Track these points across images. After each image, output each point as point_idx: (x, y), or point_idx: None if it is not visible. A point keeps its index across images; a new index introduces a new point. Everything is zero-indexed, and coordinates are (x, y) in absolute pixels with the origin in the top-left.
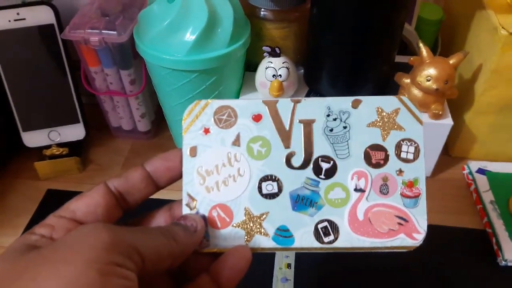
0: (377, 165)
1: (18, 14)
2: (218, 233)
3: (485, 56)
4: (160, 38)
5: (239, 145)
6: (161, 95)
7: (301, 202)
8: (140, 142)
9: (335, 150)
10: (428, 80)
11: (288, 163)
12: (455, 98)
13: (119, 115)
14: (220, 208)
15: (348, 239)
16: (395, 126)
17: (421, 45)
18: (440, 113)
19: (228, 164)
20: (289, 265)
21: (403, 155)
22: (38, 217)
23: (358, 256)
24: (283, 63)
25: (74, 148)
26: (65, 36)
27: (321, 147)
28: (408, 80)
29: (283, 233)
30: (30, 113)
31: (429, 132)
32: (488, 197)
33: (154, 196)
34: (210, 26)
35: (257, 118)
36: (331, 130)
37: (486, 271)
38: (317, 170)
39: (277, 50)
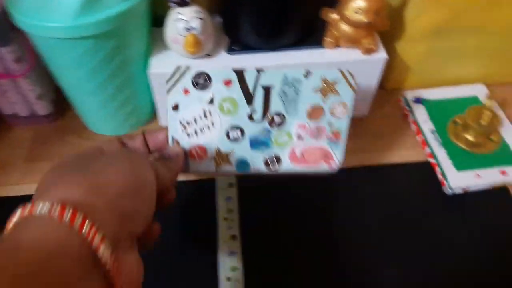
0: (315, 119)
1: None
2: (196, 163)
3: None
4: (39, 2)
5: (212, 103)
6: (55, 70)
7: (257, 144)
8: (43, 128)
9: (286, 108)
10: (358, 13)
11: (250, 117)
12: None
13: (10, 100)
14: (197, 147)
15: (287, 166)
16: (334, 92)
17: None
18: (373, 47)
19: (204, 117)
20: (234, 237)
21: (335, 112)
22: None
23: (306, 220)
24: (195, 12)
25: None
26: None
27: (276, 106)
28: (335, 16)
29: (243, 163)
30: None
31: (363, 69)
32: (427, 126)
33: None
34: None
35: (227, 83)
36: (285, 93)
37: (433, 202)
38: (271, 122)
39: None
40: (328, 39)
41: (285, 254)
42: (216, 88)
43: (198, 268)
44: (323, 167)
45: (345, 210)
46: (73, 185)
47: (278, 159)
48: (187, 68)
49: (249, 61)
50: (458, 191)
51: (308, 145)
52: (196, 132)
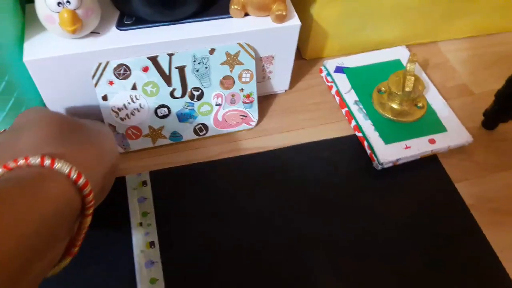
0: (228, 88)
1: None
2: (134, 142)
3: None
4: None
5: (136, 89)
6: None
7: (184, 117)
8: None
9: (201, 83)
10: None
11: (172, 95)
12: None
13: None
14: (132, 128)
15: (213, 131)
16: (238, 62)
17: None
18: (284, 13)
19: (132, 102)
20: (152, 244)
21: (243, 79)
22: None
23: (229, 214)
24: None
25: None
26: None
27: (192, 82)
28: None
29: (175, 135)
30: None
31: (276, 39)
32: (351, 97)
33: None
34: None
35: (145, 69)
36: (197, 70)
37: (363, 178)
38: (191, 97)
39: None
40: (234, 7)
41: (209, 258)
42: (136, 75)
43: (112, 284)
44: (243, 126)
45: (272, 195)
46: (81, 158)
47: (205, 126)
48: (107, 62)
49: (145, 37)
50: (388, 165)
51: (227, 110)
52: (128, 116)
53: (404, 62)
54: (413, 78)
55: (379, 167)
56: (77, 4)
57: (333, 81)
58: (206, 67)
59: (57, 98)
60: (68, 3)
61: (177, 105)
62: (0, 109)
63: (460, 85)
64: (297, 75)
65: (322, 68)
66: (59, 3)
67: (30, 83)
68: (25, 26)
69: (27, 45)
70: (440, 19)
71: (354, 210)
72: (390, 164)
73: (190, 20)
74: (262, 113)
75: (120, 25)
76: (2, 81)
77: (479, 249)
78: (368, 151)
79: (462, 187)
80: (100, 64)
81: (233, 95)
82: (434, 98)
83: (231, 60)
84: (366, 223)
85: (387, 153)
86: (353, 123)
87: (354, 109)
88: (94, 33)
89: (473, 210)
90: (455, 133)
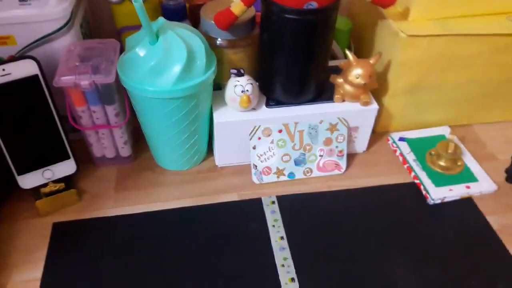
0: (328, 145)
1: (3, 70)
2: (266, 177)
3: (391, 54)
4: (148, 76)
5: (273, 143)
6: (147, 121)
7: (298, 162)
8: (124, 167)
9: (312, 141)
10: (357, 78)
11: (293, 148)
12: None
13: (103, 145)
14: (266, 167)
15: (316, 173)
16: (336, 129)
17: (348, 52)
18: (368, 101)
19: (269, 151)
20: (282, 237)
21: (338, 140)
22: (54, 250)
23: (326, 232)
24: (247, 80)
25: (66, 182)
26: (57, 83)
27: (306, 140)
28: (341, 80)
29: (291, 174)
30: (23, 157)
31: (361, 117)
32: (411, 157)
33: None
34: (189, 60)
35: (280, 131)
36: (310, 133)
37: (420, 212)
38: (305, 150)
39: (242, 71)
40: (336, 96)
41: (323, 250)
42: (274, 135)
43: (257, 260)
44: (336, 172)
45: (354, 220)
46: None
47: (310, 170)
48: (259, 126)
49: (282, 112)
50: (438, 201)
51: (326, 160)
52: (265, 159)
53: (447, 136)
54: (453, 144)
55: (431, 202)
56: (251, 92)
57: (398, 147)
58: (316, 132)
59: (225, 145)
60: (247, 91)
61: (295, 154)
62: (186, 155)
63: (488, 153)
64: (372, 141)
65: (389, 138)
66: (242, 91)
67: (206, 138)
68: (212, 105)
69: (216, 114)
70: (475, 110)
71: (415, 231)
72: (439, 201)
73: (308, 103)
74: (348, 164)
75: (268, 105)
76: (196, 135)
77: (501, 261)
78: (424, 192)
79: (490, 218)
80: (255, 127)
81: (331, 150)
82: (469, 160)
83: (332, 128)
84: (423, 241)
85: (437, 193)
86: (413, 174)
87: (413, 164)
88: (253, 109)
89: (499, 233)
90: (484, 183)
